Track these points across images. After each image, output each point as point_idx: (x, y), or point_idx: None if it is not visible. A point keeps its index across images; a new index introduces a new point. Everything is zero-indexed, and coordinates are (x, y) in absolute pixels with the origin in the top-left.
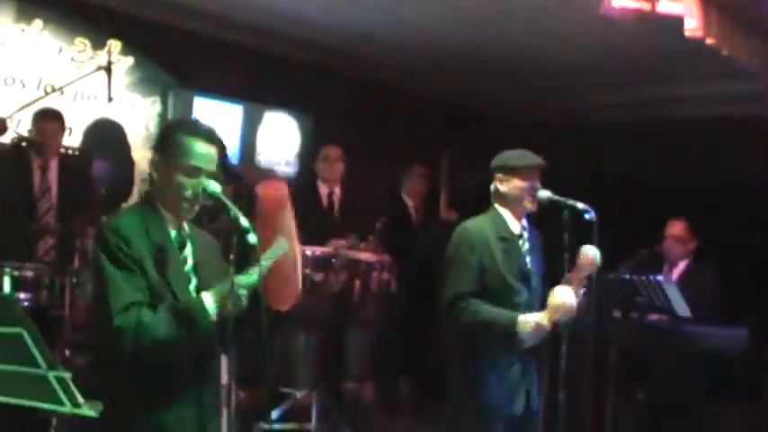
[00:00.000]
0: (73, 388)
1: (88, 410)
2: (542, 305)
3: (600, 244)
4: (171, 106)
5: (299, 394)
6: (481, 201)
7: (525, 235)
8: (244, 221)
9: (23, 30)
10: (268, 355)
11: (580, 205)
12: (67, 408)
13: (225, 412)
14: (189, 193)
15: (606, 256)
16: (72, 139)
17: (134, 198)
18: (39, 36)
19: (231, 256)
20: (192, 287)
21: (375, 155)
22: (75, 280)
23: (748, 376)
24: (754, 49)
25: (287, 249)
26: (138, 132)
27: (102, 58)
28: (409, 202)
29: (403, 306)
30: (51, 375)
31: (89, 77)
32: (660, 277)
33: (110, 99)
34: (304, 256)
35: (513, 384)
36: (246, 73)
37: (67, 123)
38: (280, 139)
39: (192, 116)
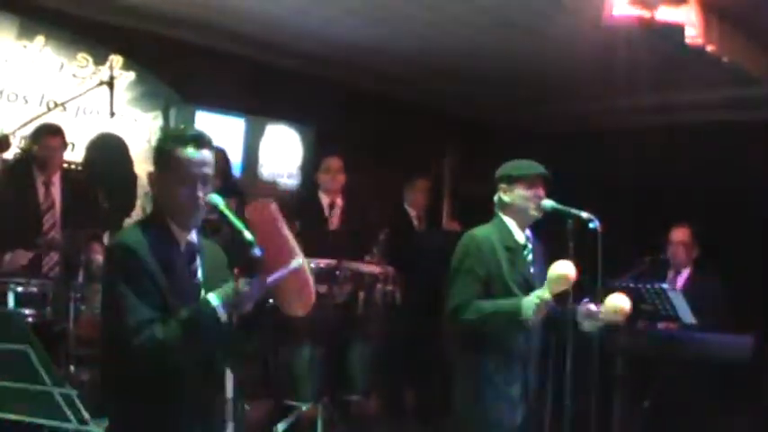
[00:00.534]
0: (78, 404)
1: (94, 428)
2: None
3: (603, 251)
4: (173, 120)
5: (304, 407)
6: (484, 211)
7: (530, 245)
8: (247, 235)
9: (25, 46)
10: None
11: (584, 215)
12: (73, 425)
13: (231, 426)
14: (190, 201)
15: (609, 264)
16: (74, 155)
17: (137, 212)
18: (41, 52)
19: (235, 270)
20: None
21: (377, 166)
22: (79, 295)
23: (754, 384)
24: (755, 56)
25: (301, 264)
26: (141, 147)
27: (103, 73)
28: (412, 213)
29: (407, 317)
30: (57, 392)
31: (91, 93)
32: (665, 285)
33: (112, 114)
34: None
35: (514, 396)
36: (248, 86)
37: (70, 139)
38: (282, 152)
39: (182, 125)
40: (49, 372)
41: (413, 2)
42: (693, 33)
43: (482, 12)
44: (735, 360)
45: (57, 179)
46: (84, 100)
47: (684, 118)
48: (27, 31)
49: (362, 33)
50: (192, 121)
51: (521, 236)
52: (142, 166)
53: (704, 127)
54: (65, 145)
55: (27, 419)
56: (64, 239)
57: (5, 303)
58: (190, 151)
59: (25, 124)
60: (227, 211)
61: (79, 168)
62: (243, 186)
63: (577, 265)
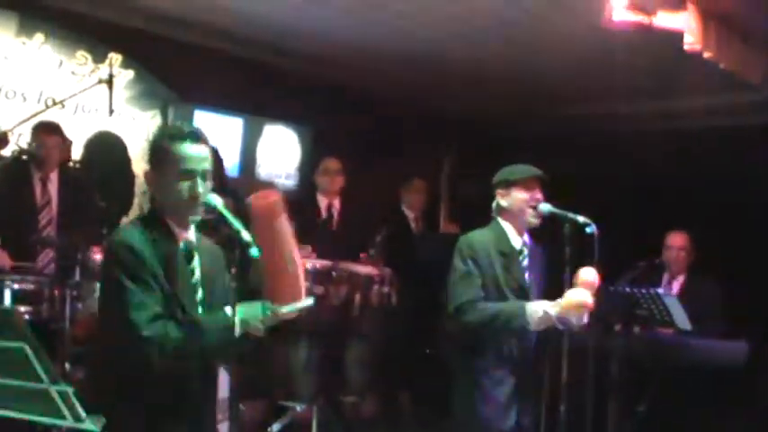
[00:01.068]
0: (75, 402)
1: (90, 425)
2: None
3: (599, 256)
4: (171, 119)
5: (299, 407)
6: (482, 213)
7: (525, 251)
8: (245, 235)
9: (25, 43)
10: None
11: (581, 219)
12: (69, 422)
13: (226, 425)
14: (188, 195)
15: (605, 269)
16: (72, 153)
17: (135, 211)
18: (40, 50)
19: (232, 270)
20: (198, 298)
21: (375, 167)
22: (75, 293)
23: (749, 389)
24: (752, 62)
25: (311, 305)
26: (139, 146)
27: (102, 71)
28: (409, 215)
29: (403, 319)
30: (53, 389)
31: (89, 91)
32: (661, 290)
33: (111, 112)
34: (304, 269)
35: (506, 399)
36: (247, 86)
37: (68, 136)
38: (280, 152)
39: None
40: (45, 369)
41: (411, 3)
42: (691, 39)
43: (481, 14)
44: (729, 365)
45: (54, 177)
46: (83, 98)
47: (682, 123)
48: (26, 28)
49: (360, 34)
50: (191, 120)
51: (517, 241)
52: (140, 164)
53: (701, 132)
54: (62, 143)
55: (22, 417)
56: (60, 237)
57: (1, 300)
58: (187, 146)
59: (24, 121)
60: (225, 212)
61: (77, 166)
62: (238, 186)
63: (574, 270)
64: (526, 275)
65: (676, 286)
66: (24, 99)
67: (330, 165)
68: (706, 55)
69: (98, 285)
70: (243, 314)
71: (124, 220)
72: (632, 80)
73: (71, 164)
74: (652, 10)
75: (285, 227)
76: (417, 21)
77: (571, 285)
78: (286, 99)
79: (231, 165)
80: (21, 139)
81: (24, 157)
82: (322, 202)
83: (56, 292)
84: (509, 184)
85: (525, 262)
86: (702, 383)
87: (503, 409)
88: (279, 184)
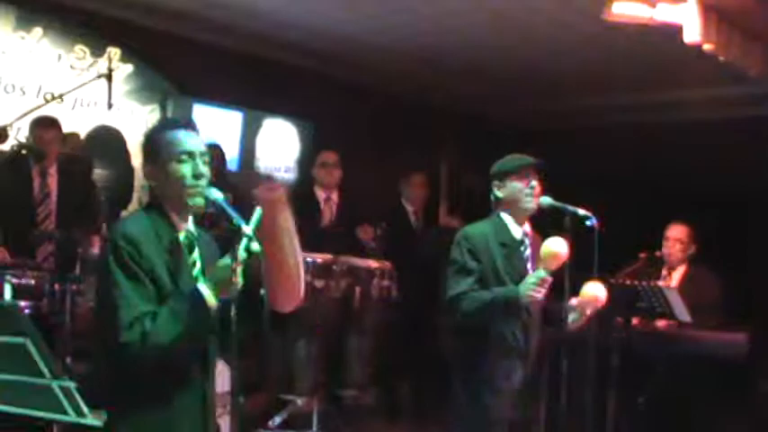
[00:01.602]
0: (77, 397)
1: (93, 420)
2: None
3: (599, 248)
4: (170, 113)
5: (299, 401)
6: (482, 207)
7: (527, 241)
8: (246, 229)
9: (23, 37)
10: (269, 362)
11: (581, 212)
12: (72, 417)
13: (226, 419)
14: (189, 178)
15: (606, 260)
16: (79, 144)
17: (134, 204)
18: (38, 44)
19: (235, 265)
20: None
21: (374, 161)
22: (75, 287)
23: (749, 381)
24: (752, 55)
25: (262, 214)
26: (138, 139)
27: (101, 65)
28: (409, 209)
29: (403, 312)
30: (55, 385)
31: (88, 85)
32: (661, 282)
33: (110, 106)
34: (305, 262)
35: (512, 390)
36: (246, 80)
37: (67, 130)
38: (279, 146)
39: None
40: (47, 364)
41: None
42: (692, 32)
43: (480, 7)
44: (729, 358)
45: (53, 170)
46: (82, 92)
47: (682, 115)
48: (25, 22)
49: (360, 28)
50: (190, 114)
51: (518, 231)
52: (139, 158)
53: (701, 124)
54: (61, 137)
55: (25, 412)
56: (59, 231)
57: (2, 295)
58: (183, 132)
59: (23, 116)
60: (226, 205)
61: (76, 160)
62: (237, 180)
63: (575, 262)
64: (528, 266)
65: (676, 278)
66: (23, 93)
67: (328, 158)
68: (706, 48)
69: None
70: (209, 277)
71: (123, 213)
72: (632, 72)
73: (72, 158)
74: (652, 2)
75: (289, 221)
76: (417, 14)
77: (571, 276)
78: (285, 93)
79: (230, 158)
80: (20, 134)
81: (23, 151)
82: (320, 195)
83: (56, 286)
84: (504, 175)
85: (527, 252)
86: (702, 375)
87: (510, 400)
88: (278, 177)
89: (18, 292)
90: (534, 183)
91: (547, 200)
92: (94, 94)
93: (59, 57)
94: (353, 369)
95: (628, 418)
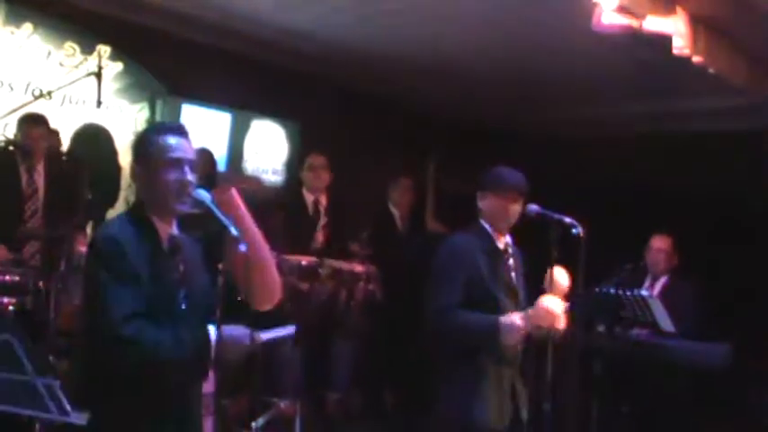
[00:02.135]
0: (60, 395)
1: (75, 419)
2: None
3: (585, 257)
4: (159, 113)
5: (282, 403)
6: (468, 213)
7: (510, 250)
8: (233, 230)
9: (13, 33)
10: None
11: (567, 220)
12: (55, 415)
13: (209, 420)
14: (175, 185)
15: (591, 270)
16: (61, 142)
17: (121, 204)
18: (28, 40)
19: (220, 266)
20: (182, 294)
21: (362, 164)
22: (60, 285)
23: (732, 391)
24: (740, 67)
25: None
26: (126, 138)
27: (90, 63)
28: (396, 213)
29: (388, 316)
30: (39, 382)
31: (77, 82)
32: (645, 292)
33: (99, 104)
34: (290, 265)
35: (502, 398)
36: (235, 81)
37: (55, 127)
38: (267, 147)
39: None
40: (31, 362)
41: (400, 1)
42: (680, 44)
43: (471, 13)
44: (711, 368)
45: (41, 168)
46: (71, 89)
47: (670, 127)
48: (14, 18)
49: (350, 31)
50: (179, 114)
51: (500, 241)
52: (127, 157)
53: (689, 136)
54: (48, 134)
55: (8, 410)
56: (45, 229)
57: None
58: (172, 137)
59: (11, 112)
60: (213, 207)
61: (64, 158)
62: (225, 181)
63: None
64: (513, 274)
65: (658, 288)
66: (11, 89)
67: (315, 161)
68: (695, 59)
69: (83, 278)
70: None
71: (110, 212)
72: (619, 84)
73: (59, 155)
74: (641, 14)
75: (245, 218)
76: (406, 19)
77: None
78: (274, 94)
79: (219, 159)
80: (7, 130)
81: (10, 147)
82: (308, 198)
83: (41, 283)
84: (486, 189)
85: (510, 261)
86: (685, 384)
87: (498, 407)
88: (266, 179)
89: (3, 288)
90: (513, 207)
91: (533, 208)
92: (83, 91)
93: (49, 53)
94: (338, 372)
95: (611, 426)
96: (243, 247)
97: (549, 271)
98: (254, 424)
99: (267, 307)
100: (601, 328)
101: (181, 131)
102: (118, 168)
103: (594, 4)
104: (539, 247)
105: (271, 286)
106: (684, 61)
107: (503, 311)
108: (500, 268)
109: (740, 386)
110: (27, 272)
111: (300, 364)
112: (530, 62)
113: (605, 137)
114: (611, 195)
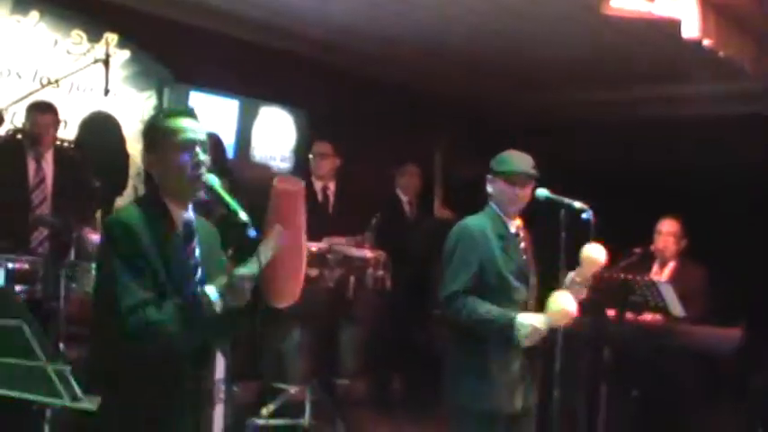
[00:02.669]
0: (71, 381)
1: (87, 404)
2: (539, 302)
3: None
4: (167, 100)
5: (292, 389)
6: (476, 198)
7: (521, 234)
8: (243, 215)
9: (19, 21)
10: (262, 351)
11: (577, 204)
12: (66, 401)
13: (220, 407)
14: (189, 166)
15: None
16: (67, 132)
17: (129, 191)
18: (35, 28)
19: (230, 251)
20: (197, 278)
21: (370, 151)
22: (70, 273)
23: (742, 376)
24: (750, 51)
25: (281, 236)
26: (134, 126)
27: (98, 50)
28: (404, 199)
29: (397, 302)
30: (50, 368)
31: (85, 70)
32: (655, 277)
33: (106, 92)
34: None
35: (513, 382)
36: (242, 67)
37: (63, 116)
38: (275, 134)
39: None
40: (43, 348)
41: None
42: (691, 27)
43: None
44: (723, 353)
45: (49, 156)
46: (78, 77)
47: (679, 111)
48: (21, 6)
49: (357, 17)
50: (186, 101)
51: (512, 225)
52: (135, 145)
53: (695, 119)
54: (57, 122)
55: (20, 396)
56: (54, 216)
57: None
58: (183, 120)
59: (18, 100)
60: (222, 191)
61: (72, 146)
62: (234, 168)
63: (568, 256)
64: (524, 257)
65: (667, 272)
66: (19, 77)
67: (321, 148)
68: (705, 43)
69: (92, 265)
70: (217, 284)
71: (118, 200)
72: (628, 67)
73: (65, 143)
74: None
75: (303, 216)
76: (414, 4)
77: (568, 269)
78: (282, 81)
79: (227, 146)
80: (15, 118)
81: (18, 135)
82: (317, 185)
83: (50, 271)
84: (495, 173)
85: (522, 244)
86: (695, 370)
87: (510, 393)
88: (274, 166)
89: (12, 277)
90: (522, 192)
91: (543, 192)
92: (91, 79)
93: (56, 41)
94: (346, 358)
95: (620, 412)
96: (252, 233)
97: (583, 248)
98: (263, 410)
99: (285, 304)
100: (610, 313)
101: (189, 114)
102: (126, 156)
103: None
104: (548, 232)
105: (294, 283)
106: (693, 45)
107: (514, 295)
108: (512, 252)
109: (749, 371)
110: (36, 260)
111: (309, 350)
112: (539, 47)
113: (614, 121)
114: (621, 179)
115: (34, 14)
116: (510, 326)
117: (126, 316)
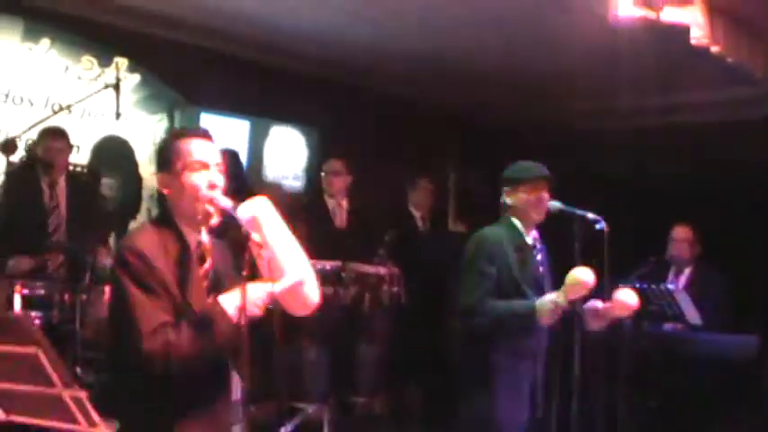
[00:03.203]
0: (88, 407)
1: (104, 430)
2: None
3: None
4: (178, 122)
5: (310, 408)
6: (487, 210)
7: (538, 246)
8: (256, 236)
9: (31, 49)
10: (279, 370)
11: (590, 216)
12: (83, 427)
13: (239, 428)
14: (203, 187)
15: (614, 264)
16: (80, 157)
17: (142, 214)
18: (46, 55)
19: (244, 272)
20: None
21: (381, 167)
22: (85, 297)
23: (759, 383)
24: (759, 56)
25: (301, 276)
26: (146, 149)
27: (108, 75)
28: (416, 214)
29: (413, 318)
30: (67, 395)
31: (96, 95)
32: (671, 286)
33: (117, 116)
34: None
35: (522, 395)
36: (253, 88)
37: (75, 141)
38: (287, 154)
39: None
40: (59, 374)
41: (413, 2)
42: (699, 34)
43: (482, 11)
44: (741, 360)
45: (62, 181)
46: (90, 102)
47: (688, 117)
48: (32, 34)
49: (365, 35)
50: (197, 122)
51: (529, 236)
52: (147, 168)
53: (704, 126)
54: (69, 147)
55: (36, 422)
56: (69, 241)
57: (12, 306)
58: (198, 142)
59: (31, 127)
60: (235, 213)
61: (84, 170)
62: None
63: (584, 267)
64: (541, 269)
65: (683, 280)
66: (31, 104)
67: (332, 166)
68: (713, 49)
69: (107, 289)
70: (230, 296)
71: (132, 223)
72: (637, 76)
73: (78, 168)
74: (659, 5)
75: (282, 224)
76: (421, 19)
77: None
78: (292, 100)
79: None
80: (28, 145)
81: (32, 162)
82: (329, 202)
83: (66, 296)
84: (515, 183)
85: (539, 256)
86: (713, 377)
87: (521, 404)
88: (286, 185)
89: (28, 302)
90: (544, 195)
91: (556, 204)
92: (102, 104)
93: (67, 68)
94: (364, 376)
95: (639, 421)
96: (266, 254)
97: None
98: (282, 430)
99: (303, 314)
100: (627, 322)
101: (203, 134)
102: (139, 180)
103: None
104: (562, 244)
105: (305, 297)
106: (702, 52)
107: None
108: (529, 263)
109: (765, 376)
110: (52, 285)
111: (326, 369)
112: (547, 57)
113: (623, 130)
114: (630, 189)
115: (45, 41)
116: (531, 311)
117: (146, 340)
